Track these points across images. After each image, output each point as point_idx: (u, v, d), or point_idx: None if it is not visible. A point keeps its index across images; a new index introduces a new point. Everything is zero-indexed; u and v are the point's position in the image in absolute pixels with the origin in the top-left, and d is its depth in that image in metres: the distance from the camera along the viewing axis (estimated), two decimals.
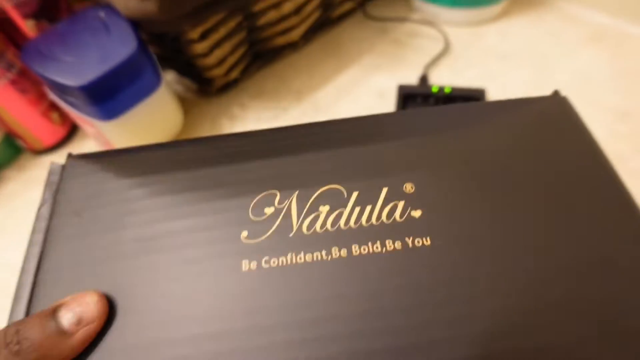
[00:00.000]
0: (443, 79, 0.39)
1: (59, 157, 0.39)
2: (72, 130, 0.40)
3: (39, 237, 0.19)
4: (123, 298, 0.17)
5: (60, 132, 0.39)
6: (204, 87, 0.39)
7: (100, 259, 0.18)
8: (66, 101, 0.31)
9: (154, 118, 0.34)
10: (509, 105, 0.21)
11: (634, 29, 0.41)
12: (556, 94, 0.22)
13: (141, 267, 0.17)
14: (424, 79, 0.38)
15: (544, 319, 0.15)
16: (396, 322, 0.15)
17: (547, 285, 0.15)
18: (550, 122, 0.20)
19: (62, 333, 0.13)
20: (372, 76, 0.40)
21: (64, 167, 0.21)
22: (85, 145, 0.40)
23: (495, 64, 0.40)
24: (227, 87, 0.40)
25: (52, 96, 0.32)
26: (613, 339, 0.14)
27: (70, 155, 0.21)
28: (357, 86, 0.39)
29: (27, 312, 0.17)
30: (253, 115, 0.39)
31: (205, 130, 0.38)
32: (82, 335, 0.14)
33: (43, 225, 0.19)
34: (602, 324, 0.15)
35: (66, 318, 0.14)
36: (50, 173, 0.21)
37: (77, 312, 0.14)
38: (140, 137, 0.33)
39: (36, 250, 0.19)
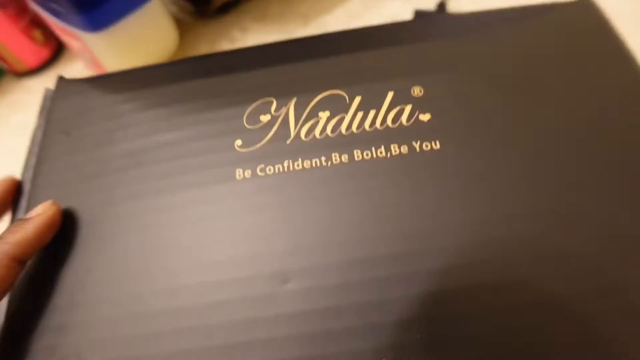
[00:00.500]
0: (462, 5, 0.36)
1: (43, 80, 0.37)
2: (57, 52, 0.38)
3: (32, 161, 0.18)
4: (108, 216, 0.16)
5: (44, 52, 0.37)
6: (201, 8, 0.36)
7: (91, 175, 0.17)
8: (49, 10, 0.28)
9: (146, 34, 0.31)
10: (531, 11, 0.19)
11: None
12: None
13: (132, 180, 0.16)
14: (442, 5, 0.35)
15: (549, 228, 0.14)
16: (400, 228, 0.14)
17: (558, 198, 0.14)
18: (576, 29, 0.18)
19: (24, 221, 0.15)
20: (385, 1, 0.37)
21: (55, 89, 0.20)
22: (71, 68, 0.38)
23: None
24: (227, 7, 0.37)
25: (34, 6, 0.30)
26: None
27: (60, 78, 0.21)
28: (369, 10, 0.36)
29: None
30: (255, 40, 0.36)
31: (202, 53, 0.36)
32: (39, 219, 0.15)
33: (35, 148, 0.19)
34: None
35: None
36: (45, 98, 0.20)
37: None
38: (130, 55, 0.31)
39: (29, 173, 0.18)
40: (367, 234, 0.14)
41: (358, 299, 0.13)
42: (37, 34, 0.35)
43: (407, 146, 0.15)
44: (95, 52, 0.31)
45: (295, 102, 0.16)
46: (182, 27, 0.37)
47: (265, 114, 0.16)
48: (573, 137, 0.15)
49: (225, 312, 0.14)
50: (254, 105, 0.17)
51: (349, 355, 0.13)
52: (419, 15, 0.33)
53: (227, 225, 0.15)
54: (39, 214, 0.16)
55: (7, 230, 0.15)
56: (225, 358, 0.13)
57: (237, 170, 0.16)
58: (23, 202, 0.18)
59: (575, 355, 0.12)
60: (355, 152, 0.15)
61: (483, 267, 0.13)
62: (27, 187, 0.18)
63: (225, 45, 0.36)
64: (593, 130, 0.16)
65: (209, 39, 0.37)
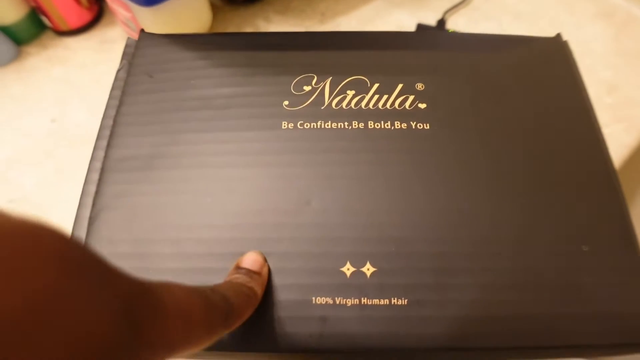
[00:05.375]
0: (459, 26, 0.44)
1: (81, 41, 0.43)
2: (96, 17, 0.44)
3: (117, 93, 0.25)
4: (180, 142, 0.23)
5: (86, 16, 0.43)
6: None
7: (167, 110, 0.24)
8: None
9: (187, 12, 0.38)
10: (515, 40, 0.27)
11: None
12: (558, 36, 0.28)
13: (199, 119, 0.23)
14: (441, 22, 0.43)
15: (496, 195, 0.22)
16: (395, 184, 0.22)
17: (502, 173, 0.22)
18: (548, 60, 0.27)
19: (252, 272, 0.19)
20: (395, 11, 0.45)
21: (138, 39, 0.26)
22: (108, 32, 0.44)
23: (509, 21, 0.46)
24: None
25: None
26: None
27: (142, 31, 0.27)
28: (379, 18, 0.44)
29: (107, 149, 0.23)
30: (276, 30, 0.43)
31: None
32: (265, 270, 0.20)
33: (120, 84, 0.25)
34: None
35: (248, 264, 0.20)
36: (127, 45, 0.27)
37: (250, 259, 0.20)
38: (170, 29, 0.38)
39: (114, 102, 0.25)
40: (371, 176, 0.22)
41: (360, 221, 0.21)
42: None
43: (406, 124, 0.23)
44: (142, 23, 0.37)
45: (331, 80, 0.24)
46: (215, 10, 0.44)
47: (307, 85, 0.24)
48: (524, 136, 0.24)
49: (263, 217, 0.21)
50: (300, 77, 0.24)
51: (349, 255, 0.20)
52: (421, 28, 0.42)
53: (271, 161, 0.22)
54: (265, 273, 0.19)
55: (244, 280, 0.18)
56: (259, 247, 0.20)
57: (283, 122, 0.23)
58: (108, 122, 0.24)
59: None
60: (369, 122, 0.23)
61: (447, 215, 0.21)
62: (111, 112, 0.24)
63: (250, 31, 0.43)
64: (538, 135, 0.24)
65: (235, 23, 0.44)
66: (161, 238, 0.21)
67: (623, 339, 0.20)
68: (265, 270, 0.20)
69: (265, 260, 0.20)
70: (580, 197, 0.22)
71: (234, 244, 0.21)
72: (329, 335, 0.19)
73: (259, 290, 0.19)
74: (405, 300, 0.20)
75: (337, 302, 0.20)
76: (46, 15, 0.41)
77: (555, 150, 0.23)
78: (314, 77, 0.24)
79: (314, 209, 0.21)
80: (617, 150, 0.39)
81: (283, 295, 0.20)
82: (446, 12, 0.44)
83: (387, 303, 0.20)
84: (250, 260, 0.19)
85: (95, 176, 0.23)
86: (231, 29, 0.43)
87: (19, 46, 0.43)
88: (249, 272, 0.19)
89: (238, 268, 0.19)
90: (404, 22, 0.44)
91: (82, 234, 0.22)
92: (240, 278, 0.18)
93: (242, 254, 0.21)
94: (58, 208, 0.35)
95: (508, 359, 0.21)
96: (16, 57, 0.42)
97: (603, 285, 0.21)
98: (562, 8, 0.47)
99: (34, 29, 0.43)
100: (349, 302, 0.20)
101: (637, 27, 0.46)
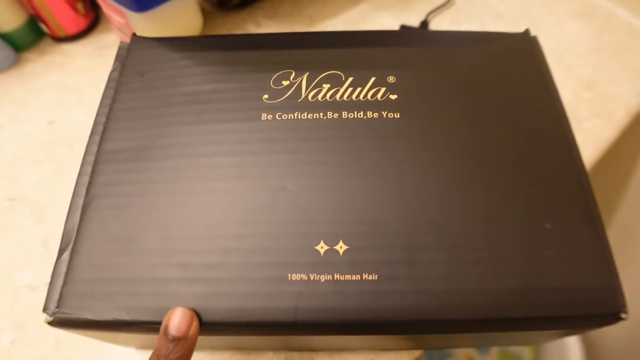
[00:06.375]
0: (441, 27, 0.46)
1: (78, 47, 0.45)
2: (93, 24, 0.46)
3: (110, 92, 0.27)
4: (168, 134, 0.25)
5: (82, 23, 0.45)
6: (223, 1, 0.45)
7: (158, 105, 0.26)
8: None
9: (179, 18, 0.40)
10: (486, 36, 0.29)
11: (621, 11, 0.49)
12: (527, 32, 0.30)
13: (186, 113, 0.26)
14: (424, 24, 0.45)
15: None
16: (367, 169, 0.23)
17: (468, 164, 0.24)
18: (516, 55, 0.28)
19: (179, 339, 0.20)
20: (379, 14, 0.47)
21: (130, 42, 0.28)
22: (104, 38, 0.46)
23: (491, 22, 0.47)
24: (244, 4, 0.46)
25: None
26: None
27: (134, 35, 0.30)
28: (364, 21, 0.46)
29: (100, 143, 0.25)
30: None
31: None
32: (192, 331, 0.20)
33: (113, 84, 0.27)
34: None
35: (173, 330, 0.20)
36: (120, 48, 0.29)
37: (175, 323, 0.20)
38: (163, 33, 0.40)
39: (107, 101, 0.27)
40: (345, 162, 0.24)
41: (334, 203, 0.23)
42: (80, 5, 0.44)
43: (378, 113, 0.25)
44: (135, 28, 0.39)
45: (307, 75, 0.26)
46: (206, 15, 0.46)
47: (286, 80, 0.26)
48: (491, 124, 0.25)
49: (243, 201, 0.23)
50: (279, 72, 0.26)
51: (323, 235, 0.22)
52: (404, 28, 0.44)
53: (251, 150, 0.24)
54: (192, 335, 0.20)
55: (169, 350, 0.19)
56: (240, 228, 0.22)
57: (263, 113, 0.25)
58: (101, 119, 0.26)
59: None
60: (343, 112, 0.25)
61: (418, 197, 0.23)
62: (104, 110, 0.26)
63: None
64: (505, 123, 0.26)
65: (226, 28, 0.46)
66: (150, 223, 0.23)
67: (585, 310, 0.21)
68: (193, 330, 0.20)
69: (192, 317, 0.21)
70: (545, 179, 0.24)
71: (216, 226, 0.22)
72: (304, 309, 0.21)
73: (187, 355, 0.20)
74: (376, 276, 0.21)
75: (312, 279, 0.21)
76: (44, 23, 0.44)
77: (522, 135, 0.25)
78: (292, 72, 0.26)
79: (290, 193, 0.23)
80: (596, 144, 0.40)
81: (260, 272, 0.21)
82: (429, 14, 0.46)
83: (359, 278, 0.21)
84: (176, 324, 0.20)
85: (88, 168, 0.25)
86: (222, 33, 0.45)
87: (19, 52, 0.45)
88: (175, 340, 0.20)
89: (165, 335, 0.20)
90: (388, 24, 0.46)
91: (75, 221, 0.23)
92: (168, 349, 0.20)
93: (225, 236, 0.22)
94: (56, 206, 0.36)
95: (477, 331, 0.22)
96: (16, 63, 0.45)
97: (565, 260, 0.22)
98: (543, 8, 0.49)
99: (32, 35, 0.45)
100: (323, 278, 0.21)
101: (615, 25, 0.48)
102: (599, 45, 0.46)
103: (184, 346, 0.20)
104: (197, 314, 0.21)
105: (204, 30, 0.45)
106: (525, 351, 0.74)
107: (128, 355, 0.30)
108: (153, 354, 0.20)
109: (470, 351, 0.74)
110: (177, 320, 0.20)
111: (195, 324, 0.21)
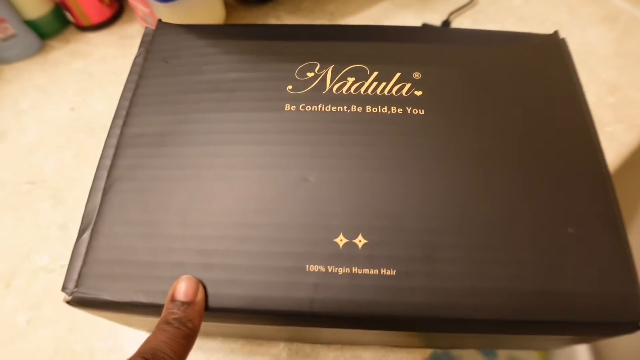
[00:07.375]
0: (463, 27, 0.46)
1: (102, 36, 0.46)
2: (116, 14, 0.47)
3: (134, 77, 0.27)
4: (190, 121, 0.25)
5: (106, 12, 0.46)
6: None
7: (181, 92, 0.26)
8: None
9: (202, 9, 0.40)
10: (513, 36, 0.29)
11: None
12: (556, 34, 0.29)
13: (209, 100, 0.26)
14: (446, 23, 0.45)
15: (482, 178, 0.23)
16: (389, 163, 0.23)
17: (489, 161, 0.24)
18: (544, 56, 0.28)
19: (187, 304, 0.20)
20: (401, 12, 0.47)
21: (155, 28, 0.28)
22: (127, 29, 0.47)
23: (514, 24, 0.47)
24: None
25: None
26: None
27: (160, 21, 0.30)
28: (385, 19, 0.46)
29: (122, 127, 0.25)
30: None
31: None
32: (199, 297, 0.20)
33: (138, 69, 0.27)
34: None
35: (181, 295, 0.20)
36: (145, 34, 0.29)
37: (182, 289, 0.21)
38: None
39: (131, 86, 0.27)
40: (367, 156, 0.24)
41: (355, 197, 0.22)
42: None
43: (402, 109, 0.25)
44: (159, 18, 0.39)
45: (333, 68, 0.26)
46: (228, 9, 0.46)
47: (310, 72, 0.26)
48: (515, 123, 0.25)
49: (263, 189, 0.23)
50: (304, 64, 0.26)
51: (342, 227, 0.22)
52: (426, 27, 0.43)
53: (273, 140, 0.24)
54: (199, 301, 0.20)
55: (178, 315, 0.19)
56: (259, 217, 0.22)
57: (286, 104, 0.25)
58: (124, 103, 0.26)
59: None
60: (367, 106, 0.25)
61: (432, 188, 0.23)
62: (128, 94, 0.26)
63: None
64: (529, 122, 0.25)
65: (248, 22, 0.46)
66: (170, 208, 0.23)
67: (604, 317, 0.21)
68: (200, 297, 0.20)
69: (198, 285, 0.21)
70: (569, 183, 0.23)
71: (235, 214, 0.22)
72: (320, 301, 0.21)
73: (197, 321, 0.20)
74: (394, 271, 0.21)
75: (329, 271, 0.21)
76: (69, 11, 0.44)
77: (546, 137, 0.25)
78: (317, 64, 0.26)
79: (311, 184, 0.23)
80: (618, 149, 0.39)
81: (278, 262, 0.21)
82: (451, 14, 0.46)
83: (377, 273, 0.21)
84: (183, 290, 0.20)
85: (110, 152, 0.25)
86: None
87: (44, 40, 0.46)
88: (184, 305, 0.20)
89: (173, 301, 0.20)
90: (410, 23, 0.46)
91: (96, 203, 0.24)
92: (177, 314, 0.20)
93: (244, 224, 0.22)
94: (75, 190, 0.37)
95: (492, 332, 0.22)
96: (40, 50, 0.45)
97: (586, 265, 0.22)
98: (566, 12, 0.48)
99: (57, 24, 0.46)
100: (341, 270, 0.21)
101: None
102: (623, 50, 0.45)
103: (194, 309, 0.20)
104: (203, 285, 0.21)
105: (226, 22, 0.45)
106: (532, 358, 0.73)
107: (141, 339, 0.30)
108: (161, 320, 0.20)
109: (477, 356, 0.73)
110: (183, 287, 0.20)
111: (201, 291, 0.21)
